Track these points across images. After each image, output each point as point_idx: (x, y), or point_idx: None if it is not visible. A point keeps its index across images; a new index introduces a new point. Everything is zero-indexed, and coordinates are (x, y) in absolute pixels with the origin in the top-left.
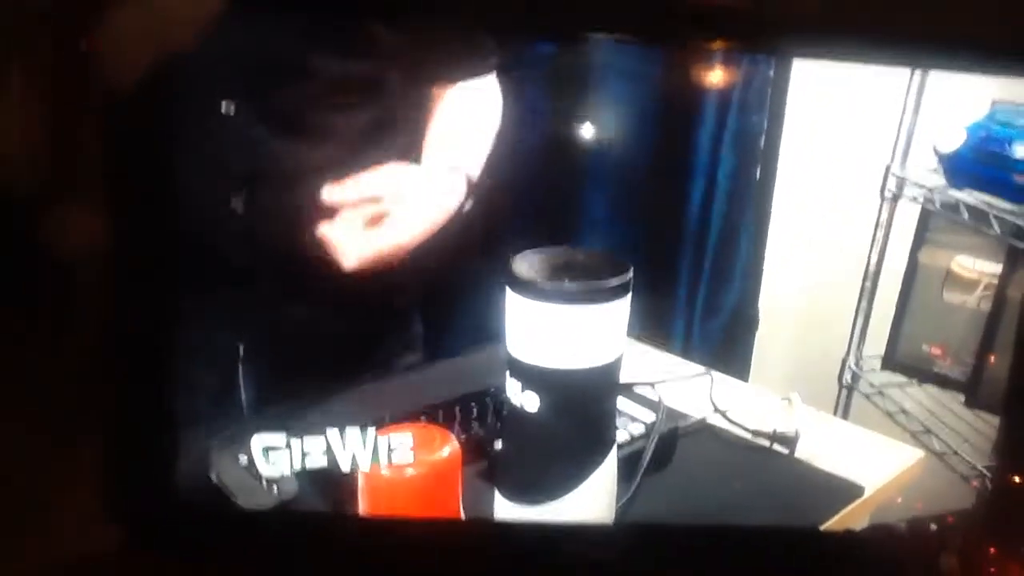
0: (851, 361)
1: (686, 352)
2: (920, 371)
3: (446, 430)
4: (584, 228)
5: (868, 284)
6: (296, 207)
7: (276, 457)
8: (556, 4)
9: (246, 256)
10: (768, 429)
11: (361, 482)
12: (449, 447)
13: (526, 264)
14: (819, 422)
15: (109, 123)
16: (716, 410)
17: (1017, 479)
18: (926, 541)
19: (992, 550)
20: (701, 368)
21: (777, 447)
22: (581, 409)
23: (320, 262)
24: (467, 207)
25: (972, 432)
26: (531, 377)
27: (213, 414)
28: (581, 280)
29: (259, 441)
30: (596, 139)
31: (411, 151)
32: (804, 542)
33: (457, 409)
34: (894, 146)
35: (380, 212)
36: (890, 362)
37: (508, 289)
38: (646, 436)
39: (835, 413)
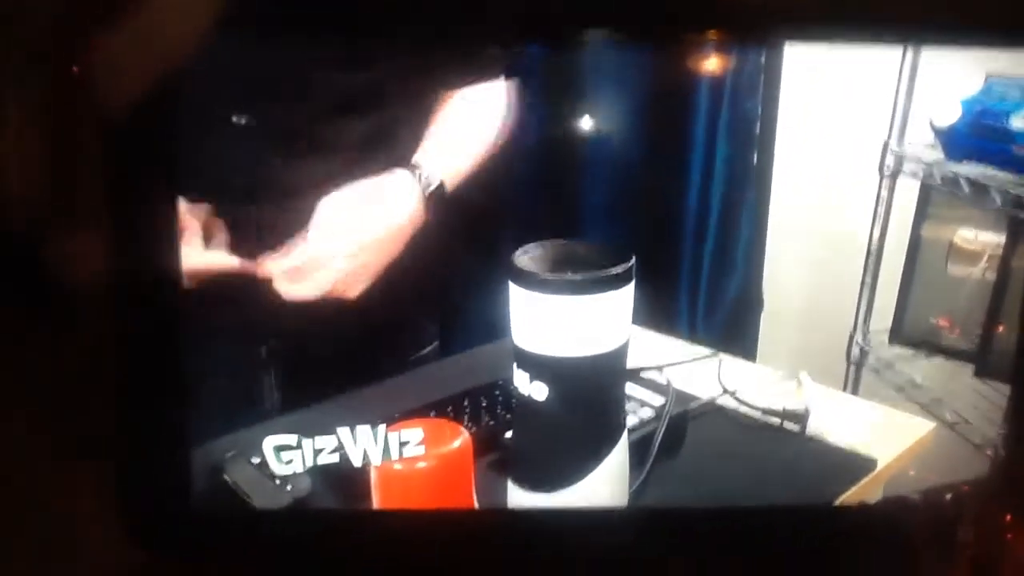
0: (858, 337)
1: (693, 336)
2: (928, 343)
3: (456, 423)
4: (585, 220)
5: (871, 261)
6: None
7: (288, 456)
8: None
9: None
10: (778, 408)
11: (374, 477)
12: (460, 439)
13: (529, 258)
14: (829, 399)
15: (107, 143)
16: (725, 391)
17: None
18: (941, 511)
19: (1008, 517)
20: (708, 350)
21: (788, 425)
22: (590, 396)
23: None
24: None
25: (982, 401)
26: (539, 367)
27: (236, 417)
28: (584, 271)
29: (271, 441)
30: (592, 132)
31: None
32: (819, 518)
33: (466, 402)
34: (891, 123)
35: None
36: (897, 336)
37: (512, 283)
38: (656, 420)
39: (844, 389)
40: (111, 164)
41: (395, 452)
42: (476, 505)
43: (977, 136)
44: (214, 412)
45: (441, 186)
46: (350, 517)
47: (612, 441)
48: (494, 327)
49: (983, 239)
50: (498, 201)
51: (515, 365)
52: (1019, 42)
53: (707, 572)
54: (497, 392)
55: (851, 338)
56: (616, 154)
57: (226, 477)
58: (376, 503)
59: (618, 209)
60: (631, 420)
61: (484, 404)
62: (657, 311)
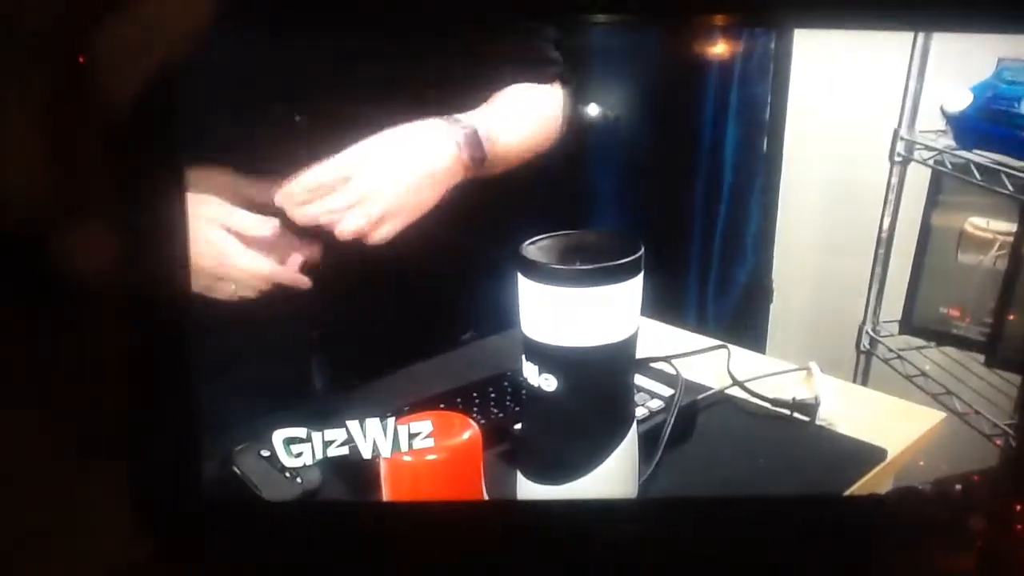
0: (868, 327)
1: (702, 327)
2: (938, 333)
3: (465, 415)
4: (592, 210)
5: (882, 250)
6: None
7: (298, 448)
8: None
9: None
10: (788, 398)
11: (384, 469)
12: (469, 431)
13: (537, 249)
14: (839, 389)
15: (113, 135)
16: (735, 382)
17: None
18: (952, 502)
19: (1018, 507)
20: (717, 341)
21: (797, 415)
22: (599, 387)
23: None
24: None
25: (993, 391)
26: (548, 358)
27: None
28: (592, 261)
29: (281, 433)
30: (600, 119)
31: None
32: (829, 509)
33: (475, 394)
34: (901, 109)
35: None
36: (908, 326)
37: (521, 275)
38: (665, 411)
39: (854, 380)
40: (117, 157)
41: (404, 444)
42: (485, 497)
43: (988, 122)
44: (256, 396)
45: (476, 137)
46: (360, 509)
47: (621, 432)
48: (500, 318)
49: (994, 226)
50: (507, 189)
51: (524, 356)
52: None
53: (717, 562)
54: (506, 383)
55: (861, 328)
56: (623, 142)
57: (236, 469)
58: (386, 495)
59: (626, 198)
60: (640, 411)
61: (493, 396)
62: (666, 301)
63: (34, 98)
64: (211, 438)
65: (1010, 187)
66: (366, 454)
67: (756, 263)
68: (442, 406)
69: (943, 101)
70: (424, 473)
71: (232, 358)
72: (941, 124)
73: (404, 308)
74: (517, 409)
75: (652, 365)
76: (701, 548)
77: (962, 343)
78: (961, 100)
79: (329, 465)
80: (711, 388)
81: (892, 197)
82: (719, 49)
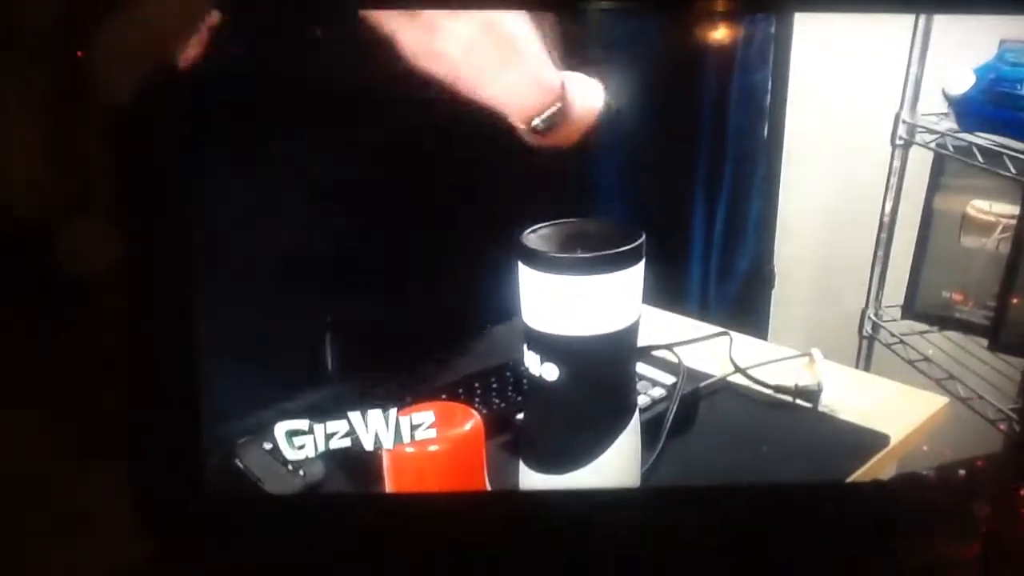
0: (871, 312)
1: (704, 315)
2: (941, 318)
3: (467, 406)
4: (593, 198)
5: (884, 234)
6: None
7: (300, 441)
8: None
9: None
10: (790, 385)
11: (387, 461)
12: (471, 422)
13: (538, 238)
14: (841, 375)
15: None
16: (737, 369)
17: None
18: (956, 487)
19: (1022, 492)
20: (719, 329)
21: (800, 402)
22: (601, 376)
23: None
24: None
25: (996, 376)
26: (549, 347)
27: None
28: (593, 249)
29: (283, 426)
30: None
31: None
32: (832, 496)
33: (477, 384)
34: (902, 92)
35: None
36: (910, 311)
37: (521, 264)
38: (668, 399)
39: (856, 365)
40: (117, 155)
41: (407, 435)
42: (488, 487)
43: (991, 104)
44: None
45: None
46: (363, 501)
47: (623, 421)
48: (501, 308)
49: (997, 209)
50: (508, 178)
51: (525, 346)
52: None
53: (720, 551)
54: (508, 373)
55: (863, 313)
56: (624, 129)
57: (238, 463)
58: (388, 487)
59: (626, 186)
60: (642, 399)
61: (495, 386)
62: (667, 289)
63: (34, 97)
64: (213, 432)
65: (1013, 169)
66: (368, 446)
67: (757, 249)
68: (444, 397)
69: (945, 84)
70: (427, 464)
71: (246, 342)
72: (943, 107)
73: (422, 298)
74: (519, 399)
75: (654, 353)
76: (704, 536)
77: (965, 327)
78: (963, 82)
79: (332, 457)
80: (713, 376)
81: (894, 181)
82: (719, 35)
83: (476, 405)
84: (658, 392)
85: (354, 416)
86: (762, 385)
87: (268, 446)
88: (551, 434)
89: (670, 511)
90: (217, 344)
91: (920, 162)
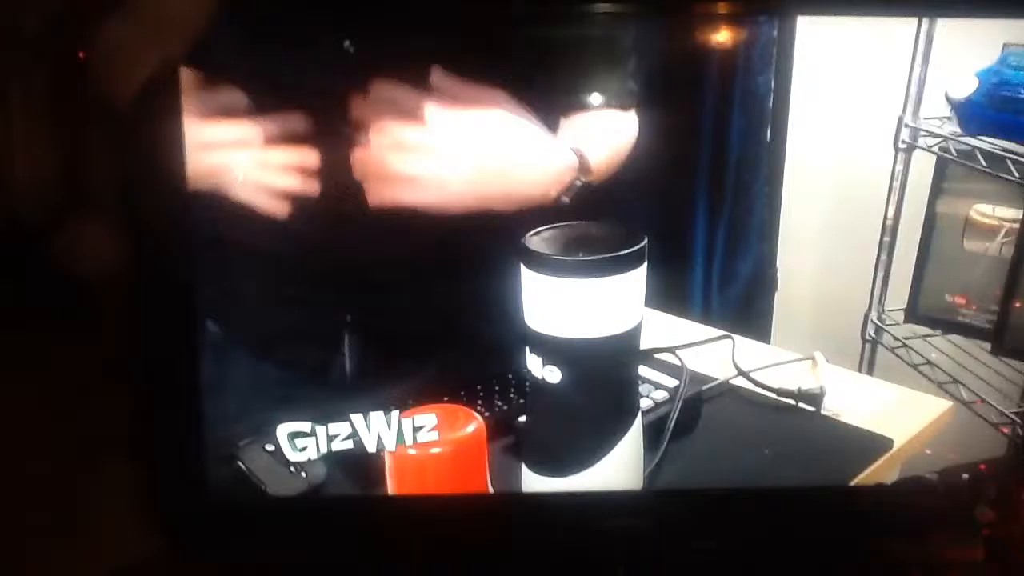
0: (873, 316)
1: (707, 317)
2: (944, 322)
3: (470, 408)
4: (595, 201)
5: (887, 238)
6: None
7: (302, 443)
8: None
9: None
10: (793, 388)
11: (389, 463)
12: (474, 424)
13: (541, 240)
14: (844, 378)
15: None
16: (740, 372)
17: None
18: (959, 491)
19: None
20: (722, 332)
21: (803, 405)
22: (603, 378)
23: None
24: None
25: (999, 379)
26: (551, 350)
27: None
28: (596, 252)
29: (285, 428)
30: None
31: None
32: (835, 499)
33: (480, 387)
34: (905, 96)
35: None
36: (913, 314)
37: (524, 267)
38: (670, 402)
39: (860, 369)
40: (121, 154)
41: (409, 438)
42: (490, 490)
43: (994, 108)
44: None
45: (586, 161)
46: (364, 503)
47: (626, 424)
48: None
49: (1000, 213)
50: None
51: (528, 349)
52: None
53: (723, 553)
54: (510, 376)
55: (866, 317)
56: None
57: (240, 464)
58: (390, 489)
59: (629, 189)
60: (645, 402)
61: (497, 388)
62: (670, 292)
63: (37, 97)
64: (216, 433)
65: (1015, 173)
66: (371, 448)
67: (760, 253)
68: (446, 399)
69: (948, 87)
70: (429, 466)
71: (264, 340)
72: (946, 111)
73: (422, 300)
74: (521, 401)
75: (657, 356)
76: (706, 539)
77: (968, 331)
78: (966, 86)
79: (334, 459)
80: (716, 379)
81: (897, 185)
82: (722, 38)
83: (478, 408)
84: (661, 395)
85: (356, 418)
86: (765, 388)
87: (270, 448)
88: (553, 437)
89: (672, 514)
90: (221, 346)
91: (923, 166)
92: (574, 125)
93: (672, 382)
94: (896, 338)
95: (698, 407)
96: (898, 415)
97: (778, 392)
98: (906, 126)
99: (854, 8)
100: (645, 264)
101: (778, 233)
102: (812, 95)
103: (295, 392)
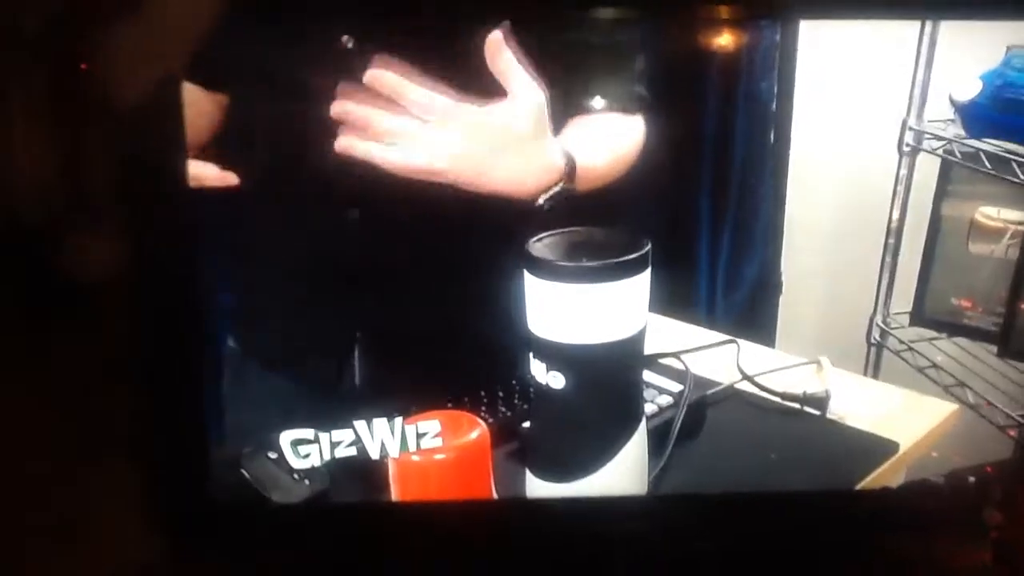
0: (879, 319)
1: (711, 322)
2: (950, 324)
3: (473, 414)
4: (599, 205)
5: (892, 240)
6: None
7: (305, 450)
8: None
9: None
10: (798, 392)
11: (392, 470)
12: (478, 431)
13: (544, 245)
14: (849, 382)
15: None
16: (744, 376)
17: None
18: (966, 494)
19: None
20: (727, 336)
21: (808, 409)
22: (607, 384)
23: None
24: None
25: (1005, 382)
26: (555, 355)
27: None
28: (599, 258)
29: (288, 435)
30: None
31: None
32: (841, 503)
33: (483, 393)
34: (909, 99)
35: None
36: (918, 317)
37: (527, 272)
38: (675, 407)
39: (865, 373)
40: (124, 157)
41: (413, 444)
42: (494, 496)
43: (998, 110)
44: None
45: (574, 165)
46: (368, 510)
47: (630, 429)
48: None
49: (1005, 215)
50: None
51: (531, 354)
52: None
53: (728, 558)
54: (514, 382)
55: (871, 320)
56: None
57: (244, 472)
58: (394, 496)
59: (633, 193)
60: (649, 407)
61: (501, 394)
62: (674, 297)
63: (37, 96)
64: (220, 440)
65: (1020, 175)
66: (374, 455)
67: (765, 256)
68: (450, 405)
69: (952, 90)
70: (433, 473)
71: (270, 350)
72: (950, 113)
73: (425, 304)
74: (525, 407)
75: (661, 361)
76: (712, 544)
77: (974, 334)
78: (970, 89)
79: (337, 466)
80: (721, 383)
81: (901, 187)
82: (725, 41)
83: (482, 413)
84: (665, 400)
85: (360, 425)
86: (770, 393)
87: (273, 455)
88: (557, 442)
89: (677, 519)
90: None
91: (927, 168)
92: (574, 128)
93: (676, 387)
94: (902, 341)
95: (703, 412)
96: (904, 418)
97: (783, 396)
98: (910, 129)
99: (857, 11)
100: (649, 269)
101: (782, 236)
102: (815, 99)
103: (299, 400)
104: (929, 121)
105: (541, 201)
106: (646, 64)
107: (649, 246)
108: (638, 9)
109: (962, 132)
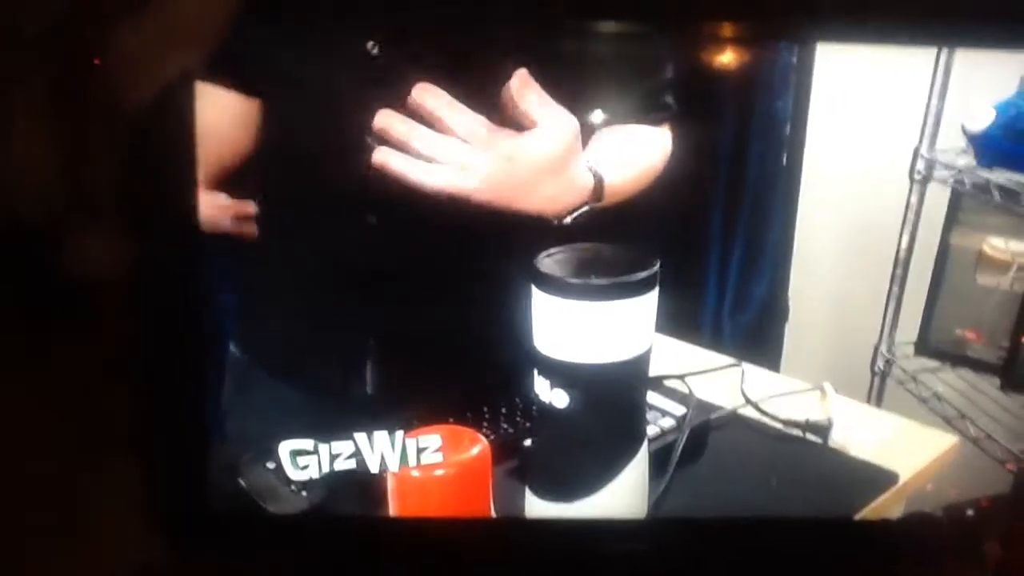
0: (883, 348)
1: (716, 345)
2: (954, 356)
3: (475, 430)
4: (609, 223)
5: (899, 269)
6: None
7: (304, 461)
8: None
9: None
10: (800, 419)
11: (391, 484)
12: (478, 447)
13: (552, 261)
14: (852, 410)
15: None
16: (748, 401)
17: None
18: (964, 527)
19: None
20: (731, 360)
21: (810, 436)
22: (611, 404)
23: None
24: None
25: (1007, 416)
26: (559, 373)
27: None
28: (607, 276)
29: (287, 445)
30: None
31: None
32: (839, 532)
33: (485, 409)
34: (922, 127)
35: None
36: (923, 347)
37: (534, 288)
38: (677, 429)
39: (868, 401)
40: (132, 157)
41: (413, 459)
42: (493, 514)
43: (1011, 140)
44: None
45: (602, 183)
46: (366, 524)
47: (632, 450)
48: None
49: (1013, 247)
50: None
51: (535, 371)
52: None
53: None
54: (517, 399)
55: (876, 349)
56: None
57: (241, 481)
58: (392, 510)
59: (643, 212)
60: (652, 430)
61: (504, 411)
62: (681, 316)
63: (38, 97)
64: (221, 447)
65: None
66: (373, 468)
67: (773, 280)
68: (451, 420)
69: (965, 119)
70: (432, 488)
71: (281, 362)
72: (962, 143)
73: (428, 318)
74: (527, 425)
75: (665, 383)
76: (711, 568)
77: (977, 366)
78: (983, 118)
79: (336, 479)
80: (724, 407)
81: (911, 216)
82: (739, 63)
83: (484, 430)
84: (668, 422)
85: (360, 437)
86: (772, 418)
87: (271, 465)
88: (559, 461)
89: (678, 542)
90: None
91: (937, 197)
92: (600, 142)
93: (680, 409)
94: (905, 371)
95: (705, 435)
96: (904, 449)
97: (785, 423)
98: (922, 157)
99: (873, 37)
100: (656, 289)
101: (791, 260)
102: (829, 123)
103: (302, 409)
104: (941, 150)
105: (568, 220)
106: (671, 74)
107: (658, 265)
108: (655, 27)
109: (974, 162)
